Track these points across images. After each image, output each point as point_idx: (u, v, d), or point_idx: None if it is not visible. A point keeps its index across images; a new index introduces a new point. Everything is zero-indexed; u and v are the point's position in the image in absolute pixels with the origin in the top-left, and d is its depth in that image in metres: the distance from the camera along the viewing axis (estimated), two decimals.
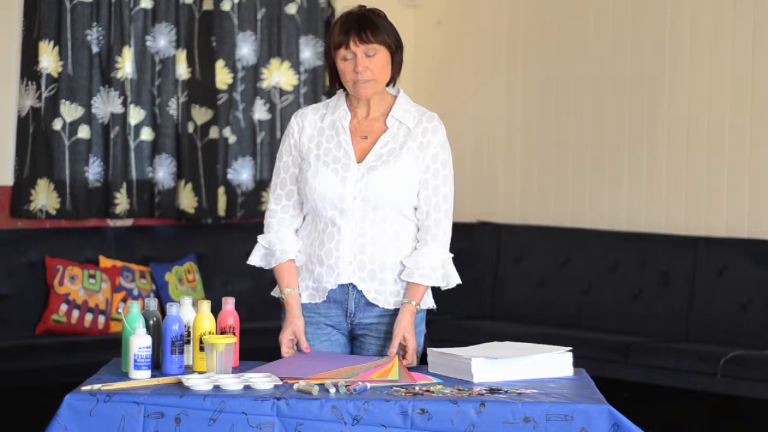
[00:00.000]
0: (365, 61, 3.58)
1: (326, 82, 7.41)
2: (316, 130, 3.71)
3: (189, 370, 3.48)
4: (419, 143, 3.67)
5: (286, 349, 3.65)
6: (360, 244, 3.64)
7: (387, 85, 3.69)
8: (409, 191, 3.66)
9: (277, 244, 3.73)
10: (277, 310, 7.42)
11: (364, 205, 3.63)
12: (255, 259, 3.81)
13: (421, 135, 3.68)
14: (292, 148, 3.73)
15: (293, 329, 3.65)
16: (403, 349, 3.61)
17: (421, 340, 3.73)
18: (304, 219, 3.76)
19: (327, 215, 3.65)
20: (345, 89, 3.71)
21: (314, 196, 3.65)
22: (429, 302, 3.75)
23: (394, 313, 3.68)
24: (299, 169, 3.72)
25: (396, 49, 3.64)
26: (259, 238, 3.79)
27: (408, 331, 3.61)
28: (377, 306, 3.68)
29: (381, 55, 3.60)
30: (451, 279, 3.70)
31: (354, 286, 3.67)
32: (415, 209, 3.70)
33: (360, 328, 3.71)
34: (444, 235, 3.69)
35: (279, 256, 3.72)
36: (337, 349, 3.73)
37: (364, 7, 3.67)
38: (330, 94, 7.43)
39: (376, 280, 3.66)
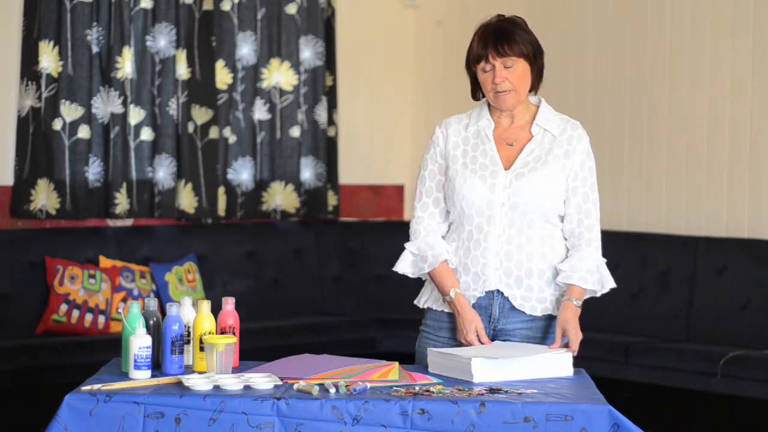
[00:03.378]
0: (503, 72, 3.63)
1: (326, 81, 7.42)
2: (460, 139, 3.75)
3: (189, 370, 3.48)
4: (565, 151, 3.71)
5: (477, 343, 3.64)
6: (507, 251, 3.67)
7: (530, 91, 3.72)
8: (555, 198, 3.69)
9: (428, 249, 3.73)
10: (277, 309, 7.44)
11: (512, 212, 3.66)
12: (403, 266, 3.78)
13: (567, 143, 3.72)
14: (438, 156, 3.77)
15: (476, 326, 3.65)
16: (566, 343, 3.62)
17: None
18: (449, 228, 3.79)
19: (474, 222, 3.68)
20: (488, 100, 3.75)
21: (462, 203, 3.68)
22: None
23: (540, 319, 3.71)
24: (445, 177, 3.75)
25: (534, 57, 3.66)
26: (407, 245, 3.78)
27: (568, 323, 3.61)
28: (523, 312, 3.70)
29: (519, 66, 3.64)
30: (606, 283, 3.76)
31: (500, 293, 3.69)
32: (561, 217, 3.73)
33: (503, 334, 3.71)
34: (597, 240, 3.74)
35: (432, 261, 3.71)
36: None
37: (503, 16, 3.71)
38: (330, 93, 7.45)
39: (523, 286, 3.68)
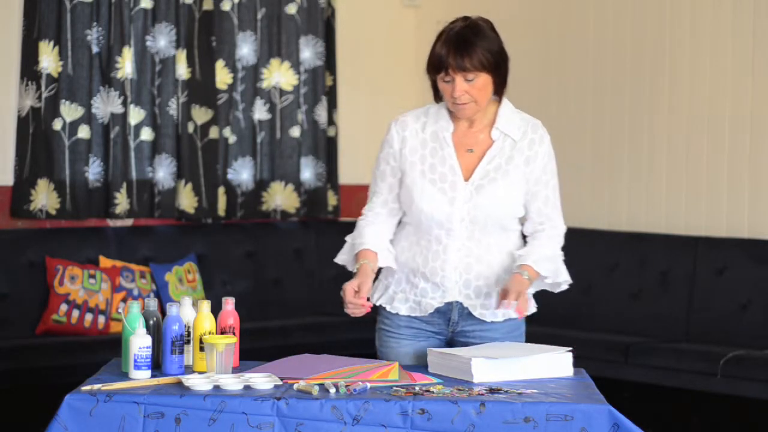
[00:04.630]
0: (464, 86, 3.54)
1: (326, 81, 7.42)
2: (418, 142, 3.65)
3: (189, 370, 3.48)
4: (526, 158, 3.64)
5: (350, 296, 3.51)
6: (466, 264, 3.63)
7: (495, 93, 3.63)
8: (515, 206, 3.64)
9: (357, 238, 3.69)
10: (277, 309, 7.44)
11: (471, 226, 3.61)
12: (342, 257, 3.76)
13: (528, 147, 3.65)
14: (391, 158, 3.68)
15: (360, 282, 3.55)
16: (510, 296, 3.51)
17: None
18: (403, 226, 3.73)
19: (433, 233, 3.63)
20: None
21: (421, 216, 3.62)
22: (531, 307, 3.74)
23: (500, 324, 3.68)
24: (399, 180, 3.68)
25: (497, 66, 3.56)
26: (347, 237, 3.76)
27: (512, 285, 3.51)
28: (483, 320, 3.67)
29: (480, 79, 3.54)
30: (560, 275, 3.68)
31: (459, 302, 3.67)
32: (519, 219, 3.68)
33: (462, 336, 3.70)
34: (559, 237, 3.69)
35: (357, 247, 3.67)
36: (436, 347, 3.71)
37: (468, 19, 3.61)
38: (330, 93, 7.45)
39: (482, 295, 3.66)
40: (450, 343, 3.74)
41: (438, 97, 3.65)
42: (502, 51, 3.60)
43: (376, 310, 3.77)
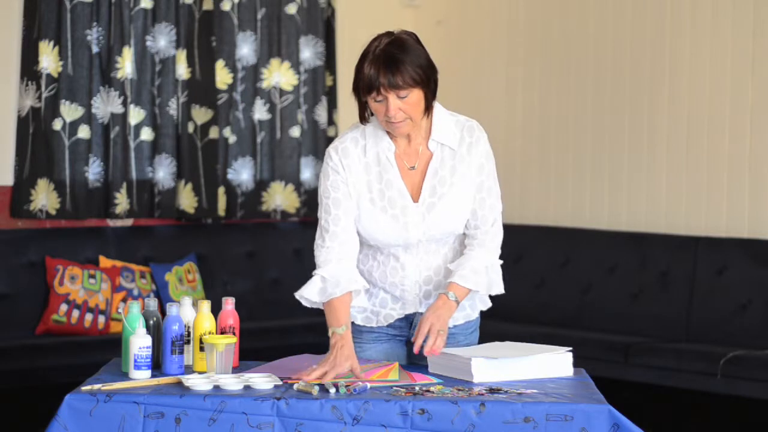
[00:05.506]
0: (397, 103, 3.46)
1: (326, 81, 7.41)
2: (362, 168, 3.58)
3: (189, 370, 3.48)
4: (467, 164, 3.59)
5: (332, 376, 3.35)
6: (425, 276, 3.62)
7: (426, 106, 3.55)
8: (467, 214, 3.61)
9: (342, 274, 3.53)
10: (277, 309, 7.43)
11: (427, 243, 3.59)
12: (310, 292, 3.55)
13: (467, 153, 3.59)
14: (341, 183, 3.57)
15: (352, 365, 3.39)
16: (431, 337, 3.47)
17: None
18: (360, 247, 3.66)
19: (390, 251, 3.61)
20: None
21: (377, 243, 3.59)
22: (486, 302, 3.73)
23: (460, 326, 3.67)
24: (354, 204, 3.58)
25: (428, 80, 3.51)
26: (318, 271, 3.56)
27: (433, 316, 3.47)
28: None
29: (413, 95, 3.48)
30: (494, 286, 3.62)
31: (420, 312, 3.65)
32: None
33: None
34: (492, 242, 3.61)
35: (345, 285, 3.52)
36: (397, 349, 3.70)
37: (392, 34, 3.52)
38: (330, 93, 7.45)
39: None
40: (409, 343, 3.72)
41: (364, 117, 3.57)
42: (430, 63, 3.54)
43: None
